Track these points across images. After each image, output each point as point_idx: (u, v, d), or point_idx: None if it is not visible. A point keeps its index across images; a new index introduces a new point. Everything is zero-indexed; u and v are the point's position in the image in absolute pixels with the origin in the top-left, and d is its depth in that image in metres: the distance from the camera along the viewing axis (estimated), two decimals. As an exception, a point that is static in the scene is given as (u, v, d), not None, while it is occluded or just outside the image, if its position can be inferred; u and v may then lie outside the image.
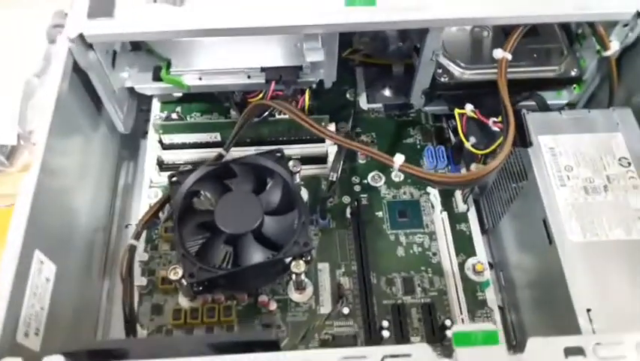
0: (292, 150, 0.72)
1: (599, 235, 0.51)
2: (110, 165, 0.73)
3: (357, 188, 0.71)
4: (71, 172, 0.60)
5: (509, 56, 0.57)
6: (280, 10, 0.56)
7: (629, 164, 0.55)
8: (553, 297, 0.52)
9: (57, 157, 0.54)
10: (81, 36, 0.54)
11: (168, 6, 0.55)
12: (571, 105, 0.70)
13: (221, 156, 0.65)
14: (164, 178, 0.71)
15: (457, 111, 0.65)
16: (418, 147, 0.75)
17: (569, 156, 0.56)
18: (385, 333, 0.59)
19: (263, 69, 0.67)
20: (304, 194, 0.69)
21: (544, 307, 0.56)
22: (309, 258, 0.59)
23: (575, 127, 0.58)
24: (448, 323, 0.60)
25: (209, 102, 0.76)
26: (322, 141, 0.72)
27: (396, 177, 0.72)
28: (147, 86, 0.69)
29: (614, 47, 0.60)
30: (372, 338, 0.59)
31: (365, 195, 0.71)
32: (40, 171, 0.50)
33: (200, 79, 0.69)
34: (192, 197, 0.61)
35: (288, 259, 0.58)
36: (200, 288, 0.57)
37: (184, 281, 0.55)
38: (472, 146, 0.64)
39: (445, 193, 0.70)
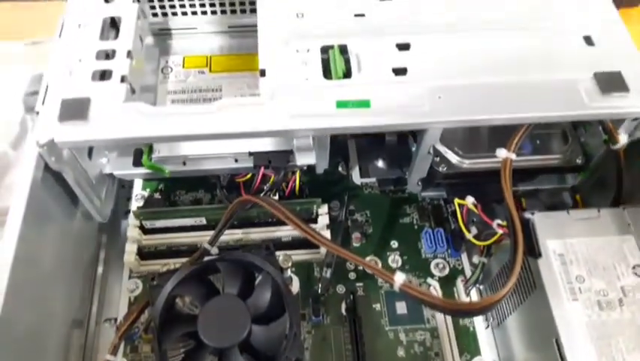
0: (282, 231, 0.68)
1: (615, 359, 0.47)
2: (88, 253, 0.68)
3: (352, 275, 0.67)
4: (45, 264, 0.55)
5: (513, 156, 0.53)
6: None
7: (644, 272, 0.52)
8: None
9: (30, 248, 0.51)
10: (51, 142, 0.49)
11: (146, 106, 0.51)
12: (575, 189, 0.66)
13: (205, 251, 0.60)
14: (145, 267, 0.67)
15: (457, 201, 0.61)
16: (416, 227, 0.71)
17: (580, 265, 0.52)
18: None
19: (251, 153, 0.63)
20: (295, 283, 0.65)
21: None
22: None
23: (585, 229, 0.54)
24: None
25: (194, 178, 0.72)
26: (315, 221, 0.68)
27: (394, 262, 0.68)
28: (128, 172, 0.64)
29: (623, 140, 0.56)
30: None
31: (361, 285, 0.67)
32: (13, 265, 0.47)
33: (184, 163, 0.64)
34: (174, 301, 0.57)
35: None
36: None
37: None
38: (474, 237, 0.60)
39: (446, 282, 0.66)
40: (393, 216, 0.72)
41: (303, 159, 0.54)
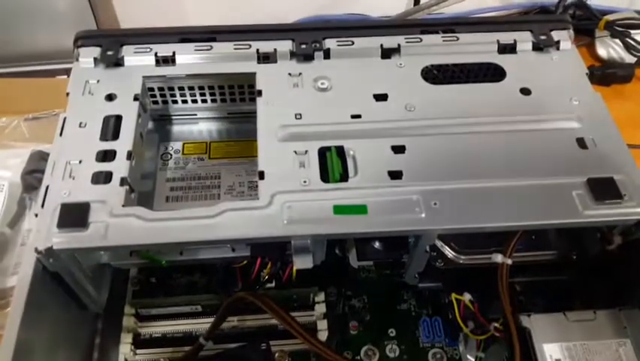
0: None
1: None
2: (83, 340, 0.67)
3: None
4: (40, 354, 0.55)
5: (509, 262, 0.54)
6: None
7: (642, 382, 0.52)
8: None
9: (27, 341, 0.51)
10: (50, 248, 0.50)
11: (145, 211, 0.52)
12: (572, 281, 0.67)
13: (200, 346, 0.60)
14: (141, 357, 0.67)
15: (454, 296, 0.61)
16: (414, 314, 0.71)
17: (577, 371, 0.52)
18: None
19: (248, 244, 0.64)
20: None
21: None
22: None
23: (582, 332, 0.54)
24: None
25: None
26: (312, 308, 0.68)
27: (391, 352, 0.68)
28: (125, 262, 0.64)
29: (617, 241, 0.57)
30: None
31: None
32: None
33: (181, 253, 0.64)
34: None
35: None
36: None
37: None
38: (471, 331, 0.60)
39: (445, 376, 0.66)
40: (391, 302, 0.72)
41: (301, 263, 0.54)
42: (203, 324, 0.67)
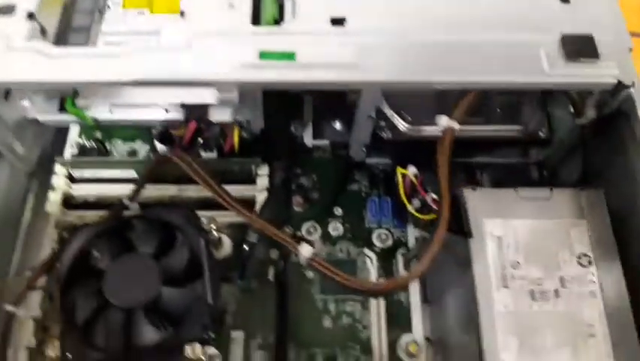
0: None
1: (538, 356, 0.43)
2: (15, 200, 0.64)
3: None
4: None
5: (456, 126, 0.47)
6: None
7: (590, 263, 0.47)
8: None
9: None
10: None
11: (49, 47, 0.46)
12: (540, 165, 0.60)
13: (124, 206, 0.56)
14: (71, 218, 0.63)
15: (399, 171, 0.55)
16: (363, 195, 0.66)
17: (519, 249, 0.47)
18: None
19: (182, 105, 0.58)
20: (227, 245, 0.61)
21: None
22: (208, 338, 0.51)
23: (532, 210, 0.49)
24: (364, 418, 0.53)
25: (133, 128, 0.67)
26: (253, 182, 0.63)
27: (335, 230, 0.64)
28: (53, 118, 0.59)
29: (590, 115, 0.50)
30: None
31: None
32: None
33: (111, 112, 0.59)
34: (84, 258, 0.53)
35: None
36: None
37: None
38: (417, 210, 0.56)
39: (384, 255, 0.62)
40: (342, 182, 0.67)
41: (218, 114, 0.48)
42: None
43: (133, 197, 0.56)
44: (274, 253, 0.61)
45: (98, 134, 0.68)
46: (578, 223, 0.48)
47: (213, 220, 0.55)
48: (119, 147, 0.68)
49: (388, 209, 0.64)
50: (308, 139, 0.68)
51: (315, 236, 0.63)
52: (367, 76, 0.45)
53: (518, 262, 0.46)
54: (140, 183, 0.56)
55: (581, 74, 0.46)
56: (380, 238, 0.63)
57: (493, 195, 0.49)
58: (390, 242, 0.63)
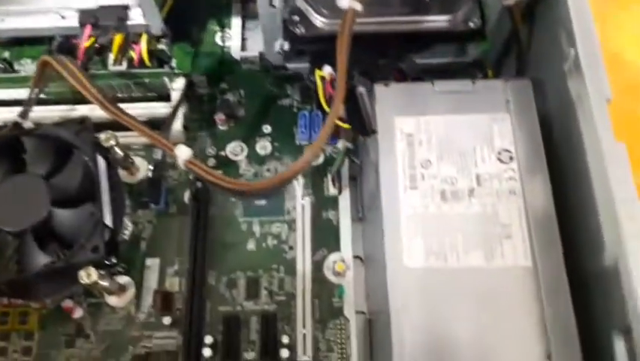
0: (133, 110, 0.57)
1: (447, 261, 0.39)
2: None
3: (211, 162, 0.58)
4: None
5: (358, 7, 0.41)
6: None
7: (511, 159, 0.41)
8: (383, 335, 0.41)
9: None
10: None
11: None
12: (478, 64, 0.54)
13: (17, 125, 0.52)
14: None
15: (317, 73, 0.50)
16: (295, 110, 0.61)
17: (432, 147, 0.42)
18: (206, 351, 0.49)
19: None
20: (143, 168, 0.56)
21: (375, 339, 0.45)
22: (110, 264, 0.48)
23: (451, 105, 0.43)
24: (285, 339, 0.49)
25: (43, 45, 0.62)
26: (167, 99, 0.58)
27: (262, 149, 0.59)
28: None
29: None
30: (190, 356, 0.49)
31: (220, 172, 0.58)
32: None
33: (2, 20, 0.54)
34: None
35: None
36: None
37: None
38: (340, 118, 0.50)
39: (314, 173, 0.57)
40: (272, 97, 0.62)
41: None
42: (42, 113, 0.57)
43: (25, 113, 0.51)
44: (191, 175, 0.57)
45: (6, 54, 0.62)
46: (501, 117, 0.43)
47: (113, 137, 0.51)
48: (27, 67, 0.63)
49: (319, 124, 0.59)
50: (235, 50, 0.63)
51: (241, 157, 0.58)
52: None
53: (430, 161, 0.41)
54: (29, 96, 0.51)
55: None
56: (310, 154, 0.58)
57: (407, 91, 0.44)
58: (321, 160, 0.58)
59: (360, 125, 0.42)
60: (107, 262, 0.49)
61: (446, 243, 0.39)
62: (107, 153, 0.51)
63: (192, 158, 0.40)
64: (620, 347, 0.35)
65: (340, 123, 0.49)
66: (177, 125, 0.57)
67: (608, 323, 0.36)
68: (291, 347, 0.49)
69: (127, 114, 0.47)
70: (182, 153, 0.39)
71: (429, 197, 0.40)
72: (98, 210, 0.48)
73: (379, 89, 0.44)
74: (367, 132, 0.42)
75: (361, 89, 0.42)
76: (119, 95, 0.58)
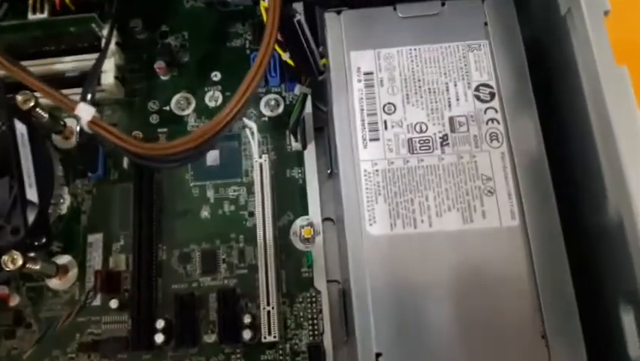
0: (66, 63, 0.50)
1: (417, 226, 0.32)
2: None
3: (154, 118, 0.51)
4: None
5: None
6: None
7: (492, 96, 0.34)
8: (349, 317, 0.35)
9: None
10: None
11: None
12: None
13: None
14: None
15: (262, 4, 0.41)
16: (248, 52, 0.53)
17: (396, 87, 0.34)
18: (159, 337, 0.43)
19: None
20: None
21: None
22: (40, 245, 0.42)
23: (417, 34, 0.35)
24: (247, 318, 0.44)
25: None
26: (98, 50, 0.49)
27: (212, 100, 0.51)
28: None
29: None
30: (141, 342, 0.43)
31: (164, 130, 0.50)
32: None
33: None
34: None
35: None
36: None
37: None
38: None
39: (278, 123, 0.50)
40: (221, 39, 0.53)
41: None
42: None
43: None
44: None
45: None
46: (478, 45, 0.35)
47: (32, 97, 0.43)
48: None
49: (275, 67, 0.50)
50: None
51: (188, 111, 0.51)
52: None
53: (393, 105, 0.34)
54: None
55: None
56: (269, 104, 0.50)
57: (364, 18, 0.36)
58: (281, 109, 0.50)
59: (306, 63, 0.34)
60: (36, 243, 0.43)
61: (415, 204, 0.32)
62: (28, 116, 0.44)
63: (97, 118, 0.32)
64: (628, 317, 0.29)
65: (290, 61, 0.41)
66: (109, 77, 0.49)
67: (612, 291, 0.30)
68: (255, 327, 0.44)
69: (22, 68, 0.39)
70: (84, 112, 0.32)
71: (393, 149, 0.33)
72: (17, 185, 0.41)
73: (329, 17, 0.35)
74: (315, 73, 0.34)
75: (299, 17, 0.33)
76: (46, 48, 0.50)
